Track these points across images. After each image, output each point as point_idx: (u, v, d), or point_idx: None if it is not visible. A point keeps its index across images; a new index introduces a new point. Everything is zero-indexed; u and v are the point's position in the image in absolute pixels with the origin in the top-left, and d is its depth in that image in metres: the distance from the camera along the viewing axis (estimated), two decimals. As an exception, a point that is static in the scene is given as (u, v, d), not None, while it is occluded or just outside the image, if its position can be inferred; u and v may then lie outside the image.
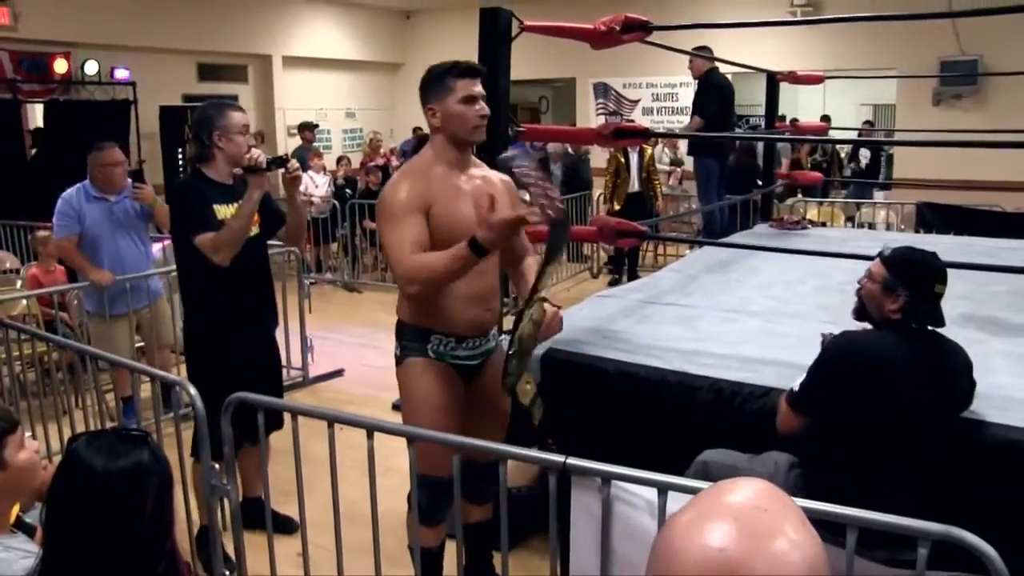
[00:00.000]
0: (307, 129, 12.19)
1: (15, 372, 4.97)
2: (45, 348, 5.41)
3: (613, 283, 9.82)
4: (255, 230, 3.81)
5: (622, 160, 9.71)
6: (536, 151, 14.19)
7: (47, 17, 10.22)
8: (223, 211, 3.72)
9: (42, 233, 6.83)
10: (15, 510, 2.14)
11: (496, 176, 3.22)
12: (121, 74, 11.02)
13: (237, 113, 3.81)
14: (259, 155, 3.69)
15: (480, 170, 3.21)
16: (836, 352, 2.70)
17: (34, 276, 6.51)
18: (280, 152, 3.13)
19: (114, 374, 5.31)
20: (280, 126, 13.48)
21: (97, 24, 10.70)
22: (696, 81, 8.01)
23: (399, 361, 3.20)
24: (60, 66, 10.42)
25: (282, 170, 3.75)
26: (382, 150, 12.76)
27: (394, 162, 11.96)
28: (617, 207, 9.48)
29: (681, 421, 3.36)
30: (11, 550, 2.00)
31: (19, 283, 6.78)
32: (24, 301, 5.94)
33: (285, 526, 3.78)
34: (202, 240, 3.63)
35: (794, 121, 10.01)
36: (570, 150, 11.46)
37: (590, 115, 14.27)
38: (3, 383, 5.08)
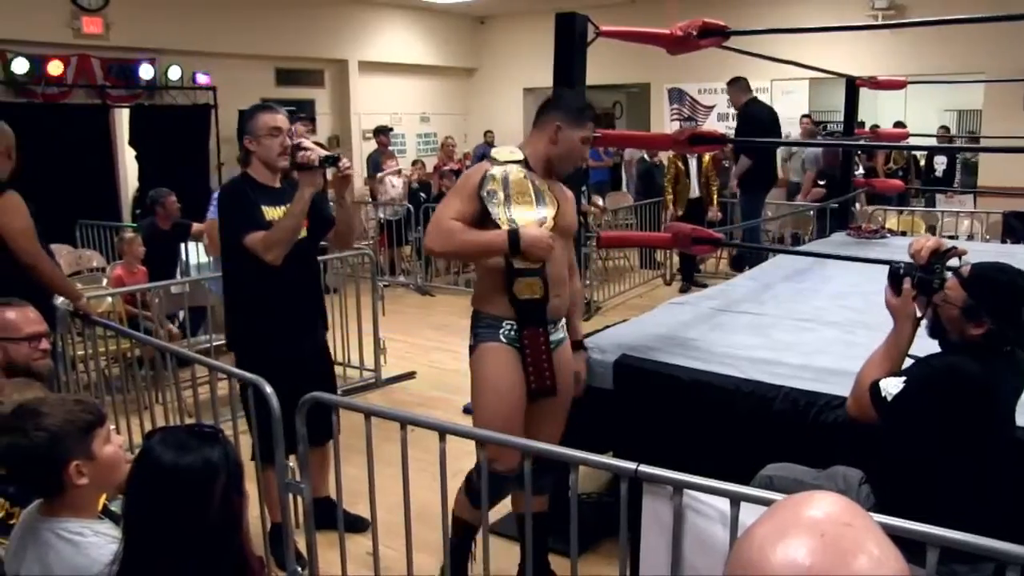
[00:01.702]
0: (382, 133, 12.31)
1: (100, 367, 5.12)
2: (128, 344, 5.56)
3: (684, 290, 9.77)
4: (303, 232, 3.81)
5: (681, 166, 9.66)
6: (610, 156, 14.20)
7: (135, 25, 10.54)
8: (271, 212, 3.75)
9: (128, 235, 7.02)
10: (102, 499, 2.23)
11: (568, 191, 3.45)
12: (202, 79, 11.28)
13: (265, 115, 3.80)
14: (311, 153, 3.68)
15: (557, 183, 3.38)
16: (939, 375, 2.55)
17: (118, 276, 6.70)
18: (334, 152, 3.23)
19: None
20: (356, 130, 13.66)
21: (181, 31, 10.99)
22: (736, 112, 7.98)
23: (472, 350, 3.30)
24: (146, 72, 10.73)
25: (334, 169, 3.77)
26: (456, 155, 12.84)
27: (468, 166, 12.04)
28: (679, 213, 9.43)
29: (753, 431, 3.32)
30: (99, 535, 2.09)
31: (104, 281, 6.97)
32: (109, 299, 6.11)
33: (356, 525, 3.83)
34: (253, 239, 3.66)
35: (874, 128, 9.83)
36: (645, 156, 11.41)
37: (664, 121, 14.19)
38: (89, 377, 5.23)
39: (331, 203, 4.37)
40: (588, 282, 8.98)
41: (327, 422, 3.07)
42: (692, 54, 4.11)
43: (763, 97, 13.26)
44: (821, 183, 10.83)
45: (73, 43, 10.18)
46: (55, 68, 9.90)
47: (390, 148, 12.62)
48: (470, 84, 15.99)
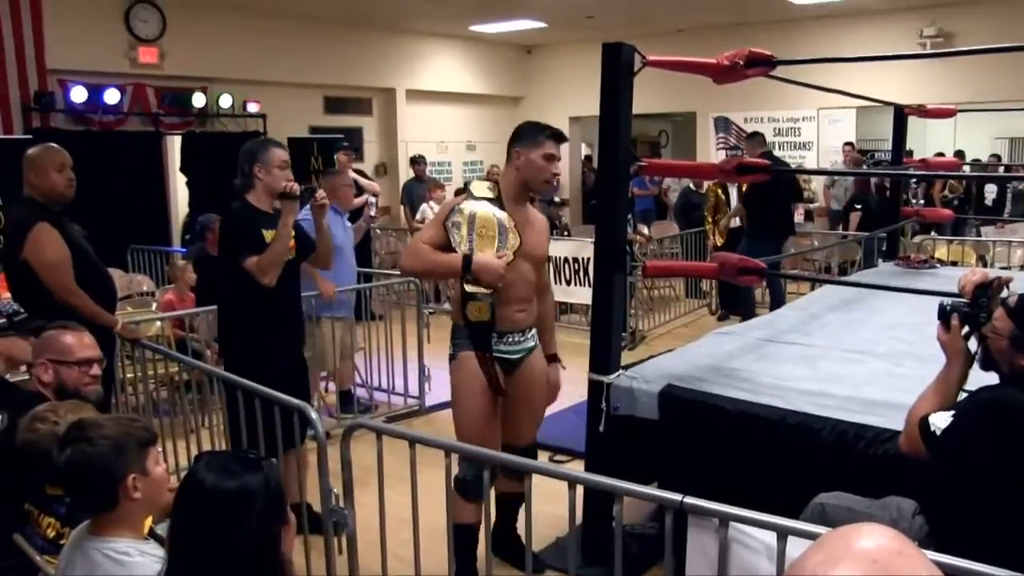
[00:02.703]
0: (417, 163, 12.37)
1: (148, 390, 5.19)
2: (176, 368, 5.64)
3: (722, 318, 9.69)
4: (291, 254, 4.22)
5: (722, 196, 9.60)
6: (655, 184, 14.17)
7: (189, 55, 10.77)
8: (270, 235, 4.12)
9: (180, 262, 7.13)
10: (149, 521, 2.26)
11: (542, 219, 3.96)
12: (252, 107, 11.46)
13: (278, 149, 4.24)
14: (294, 185, 4.14)
15: (533, 210, 3.92)
16: (987, 408, 2.49)
17: (169, 301, 6.78)
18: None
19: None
20: (402, 157, 13.75)
21: (232, 60, 11.20)
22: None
23: (452, 359, 3.80)
24: (198, 100, 10.93)
25: (312, 199, 4.24)
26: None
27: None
28: (720, 242, 9.35)
29: (800, 463, 3.28)
30: (145, 555, 2.15)
31: (153, 305, 7.08)
32: (158, 323, 6.20)
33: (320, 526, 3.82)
34: (251, 263, 4.04)
35: (939, 155, 9.71)
36: (691, 185, 11.38)
37: (710, 149, 14.15)
38: (137, 400, 5.31)
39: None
40: (633, 311, 8.95)
41: (302, 424, 3.37)
42: (738, 83, 4.09)
43: (809, 126, 13.25)
44: (857, 207, 10.75)
45: (129, 72, 10.42)
46: (111, 97, 10.11)
47: (431, 176, 12.65)
48: (516, 112, 16.07)
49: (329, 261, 4.79)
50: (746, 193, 8.94)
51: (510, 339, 3.75)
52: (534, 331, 3.89)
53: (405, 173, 13.37)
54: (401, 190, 12.54)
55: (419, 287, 6.92)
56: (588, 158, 16.95)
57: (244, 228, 4.12)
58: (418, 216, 11.02)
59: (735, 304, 9.68)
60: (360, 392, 6.76)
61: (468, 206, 3.67)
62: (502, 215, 3.69)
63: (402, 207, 12.29)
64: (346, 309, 6.34)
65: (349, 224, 6.59)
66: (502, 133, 16.61)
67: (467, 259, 3.57)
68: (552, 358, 4.02)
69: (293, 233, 4.21)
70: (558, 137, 3.77)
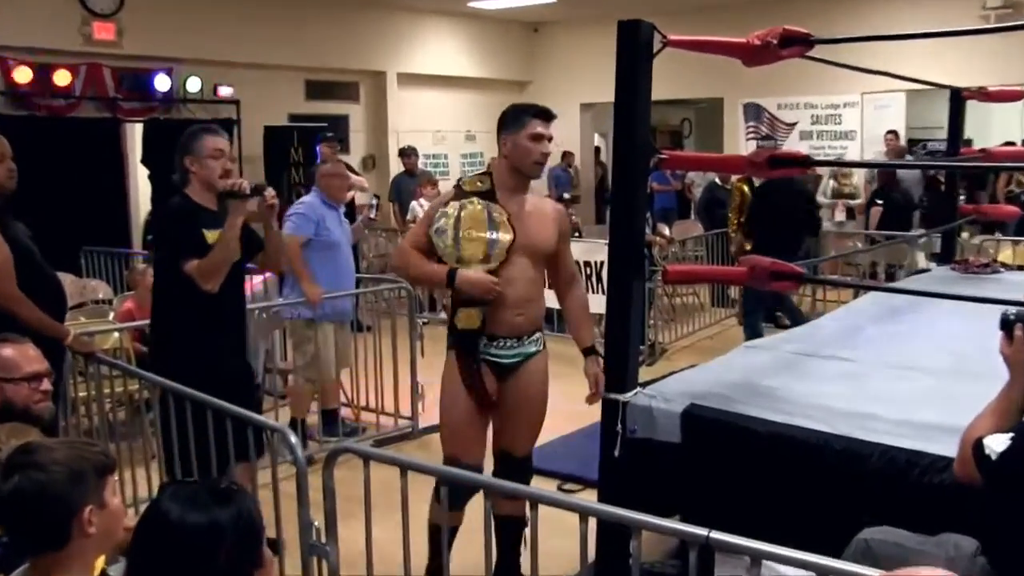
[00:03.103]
0: (407, 155, 12.37)
1: (104, 411, 5.18)
2: (136, 386, 5.62)
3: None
4: (237, 254, 4.24)
5: (748, 193, 9.47)
6: (677, 179, 14.18)
7: (151, 32, 10.75)
8: (212, 236, 4.13)
9: (140, 266, 7.12)
10: (100, 562, 2.22)
11: (552, 206, 4.21)
12: (225, 91, 11.48)
13: (211, 137, 4.28)
14: (242, 182, 4.12)
15: (535, 198, 4.11)
16: None
17: (128, 310, 6.76)
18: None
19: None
20: (393, 149, 13.76)
21: (201, 39, 11.20)
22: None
23: (447, 354, 3.99)
24: (162, 83, 10.92)
25: (259, 198, 4.19)
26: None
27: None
28: (748, 247, 9.23)
29: (842, 494, 3.26)
30: (97, 599, 2.10)
31: (111, 315, 7.07)
32: (116, 334, 6.19)
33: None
34: (192, 267, 4.07)
35: (1009, 143, 9.66)
36: (717, 180, 11.37)
37: (739, 140, 14.16)
38: (91, 422, 5.30)
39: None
40: (652, 322, 8.93)
41: (257, 437, 3.51)
42: (771, 65, 4.08)
43: (852, 113, 13.24)
44: (879, 202, 10.72)
45: (82, 51, 10.39)
46: (62, 78, 10.06)
47: (424, 169, 12.65)
48: (522, 98, 16.07)
49: (279, 263, 4.92)
50: (751, 213, 8.93)
51: (503, 343, 3.92)
52: (538, 336, 4.06)
53: (396, 166, 13.39)
54: (390, 185, 12.55)
55: (411, 293, 6.90)
56: (598, 151, 16.97)
57: (183, 227, 4.17)
58: (408, 215, 11.02)
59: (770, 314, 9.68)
60: (345, 412, 6.75)
61: (454, 206, 3.86)
62: (494, 208, 3.87)
63: (391, 204, 12.28)
64: (345, 315, 6.45)
65: (346, 220, 6.69)
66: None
67: (451, 274, 3.77)
68: (589, 351, 4.12)
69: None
70: (544, 115, 3.95)
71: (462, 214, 3.84)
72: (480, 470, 3.90)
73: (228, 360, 4.30)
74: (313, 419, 6.49)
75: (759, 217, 8.72)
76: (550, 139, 3.96)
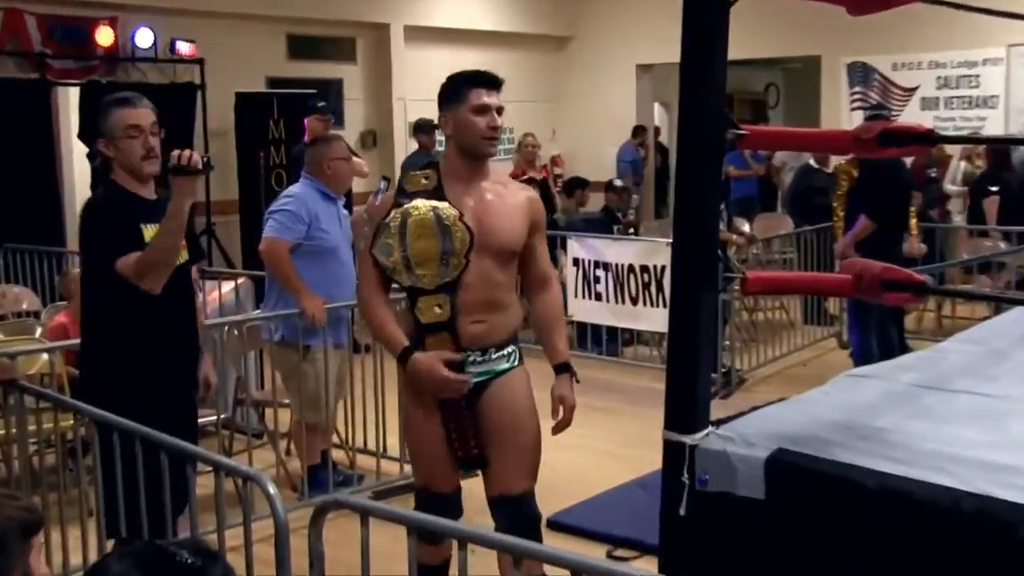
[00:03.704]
0: (425, 131, 12.19)
1: (28, 453, 5.18)
2: (71, 421, 5.63)
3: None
4: (184, 255, 4.33)
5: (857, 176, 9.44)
6: (760, 161, 14.14)
7: (91, -29, 10.86)
8: (150, 232, 4.21)
9: (77, 270, 7.15)
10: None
11: (522, 192, 4.39)
12: (184, 48, 11.53)
13: (121, 110, 4.31)
14: (193, 154, 4.11)
15: (499, 185, 4.28)
16: None
17: (61, 325, 6.77)
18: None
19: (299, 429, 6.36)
20: (399, 121, 13.82)
21: (156, -20, 11.29)
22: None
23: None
24: (104, 37, 10.97)
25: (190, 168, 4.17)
26: (539, 158, 12.88)
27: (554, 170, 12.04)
28: (852, 254, 9.16)
29: (979, 569, 3.22)
30: None
31: (38, 331, 7.09)
32: (45, 356, 6.19)
33: None
34: (126, 263, 4.12)
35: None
36: (812, 162, 11.32)
37: (841, 110, 14.13)
38: (10, 468, 5.30)
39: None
40: (728, 343, 8.89)
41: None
42: (884, 14, 4.04)
43: (994, 73, 13.08)
44: (993, 189, 10.61)
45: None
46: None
47: (441, 151, 12.61)
48: (562, 59, 16.12)
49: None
50: (851, 200, 8.87)
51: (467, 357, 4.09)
52: (511, 350, 4.25)
53: (403, 144, 13.39)
54: (400, 170, 12.48)
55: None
56: (656, 130, 16.93)
57: (114, 222, 4.23)
58: None
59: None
60: (337, 455, 6.76)
61: (396, 216, 4.06)
62: (443, 208, 4.05)
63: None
64: (342, 334, 6.48)
65: (346, 213, 6.68)
66: (541, 89, 16.74)
67: (405, 353, 4.04)
68: (561, 368, 4.36)
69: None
70: (488, 82, 4.16)
71: (408, 223, 4.03)
72: (456, 498, 4.25)
73: (174, 388, 4.39)
74: (293, 465, 6.50)
75: (858, 210, 8.63)
76: (499, 110, 4.13)
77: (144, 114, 4.33)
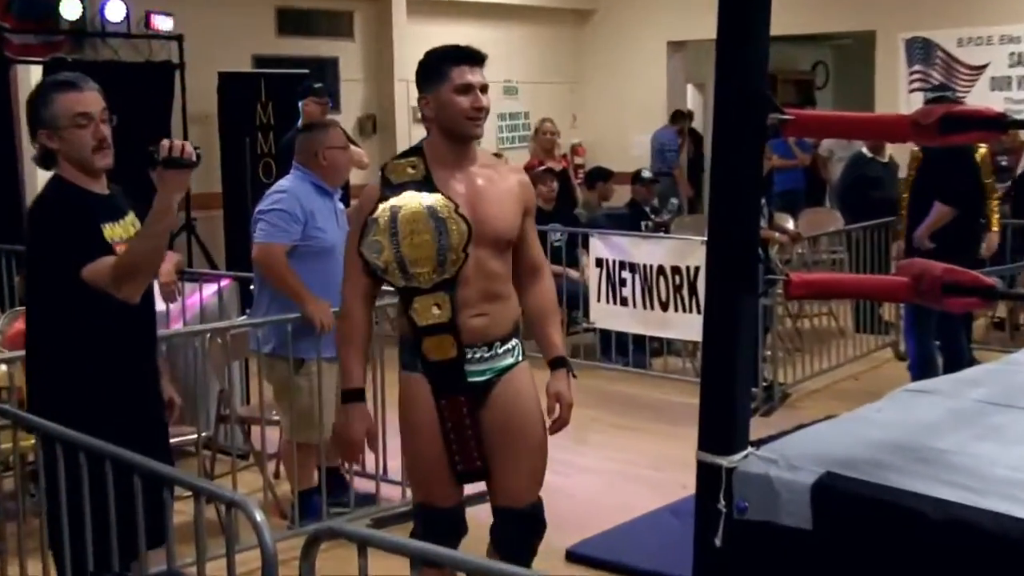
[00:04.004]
0: None
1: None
2: (31, 441, 5.63)
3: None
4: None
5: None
6: (806, 150, 14.11)
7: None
8: (114, 232, 4.25)
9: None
10: None
11: (512, 175, 4.53)
12: (162, 23, 11.55)
13: (65, 97, 4.21)
14: (184, 145, 4.05)
15: (487, 168, 4.42)
16: None
17: (21, 333, 6.76)
18: None
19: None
20: (402, 105, 13.83)
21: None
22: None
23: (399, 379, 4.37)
24: (69, 9, 10.96)
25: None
26: (559, 147, 12.86)
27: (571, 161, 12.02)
28: (929, 244, 9.12)
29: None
30: None
31: (-4, 339, 7.11)
32: (3, 367, 6.19)
33: None
34: (96, 270, 4.06)
35: None
36: (865, 151, 11.30)
37: (898, 91, 14.09)
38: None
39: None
40: (769, 353, 8.88)
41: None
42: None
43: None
44: None
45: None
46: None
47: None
48: (583, 35, 16.12)
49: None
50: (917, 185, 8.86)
51: (473, 354, 4.23)
52: (515, 343, 4.38)
53: (406, 131, 13.40)
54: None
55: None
56: (690, 115, 16.87)
57: (72, 221, 4.18)
58: None
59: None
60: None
61: (384, 211, 4.17)
62: (433, 200, 4.18)
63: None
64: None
65: (342, 208, 6.62)
66: (560, 69, 16.85)
67: (353, 394, 4.30)
68: (556, 363, 4.52)
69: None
70: (470, 58, 4.31)
71: (398, 219, 4.15)
72: (459, 513, 4.40)
73: (143, 407, 4.41)
74: (283, 489, 6.50)
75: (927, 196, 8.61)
76: (483, 88, 4.29)
77: (93, 99, 4.27)
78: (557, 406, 4.43)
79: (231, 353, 6.72)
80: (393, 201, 4.16)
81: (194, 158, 4.07)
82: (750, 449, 3.89)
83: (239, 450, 6.94)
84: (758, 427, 4.29)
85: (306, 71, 11.78)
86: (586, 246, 10.23)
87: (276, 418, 6.63)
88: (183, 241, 11.30)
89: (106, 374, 4.25)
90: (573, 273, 10.47)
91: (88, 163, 4.20)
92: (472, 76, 4.25)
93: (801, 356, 9.83)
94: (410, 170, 4.24)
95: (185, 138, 11.44)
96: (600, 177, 12.18)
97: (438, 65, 4.29)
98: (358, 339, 4.30)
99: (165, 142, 4.05)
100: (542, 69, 15.64)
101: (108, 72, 11.07)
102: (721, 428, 3.89)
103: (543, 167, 11.61)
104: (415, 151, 4.34)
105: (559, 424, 4.45)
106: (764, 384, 8.62)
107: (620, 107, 15.54)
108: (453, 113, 4.21)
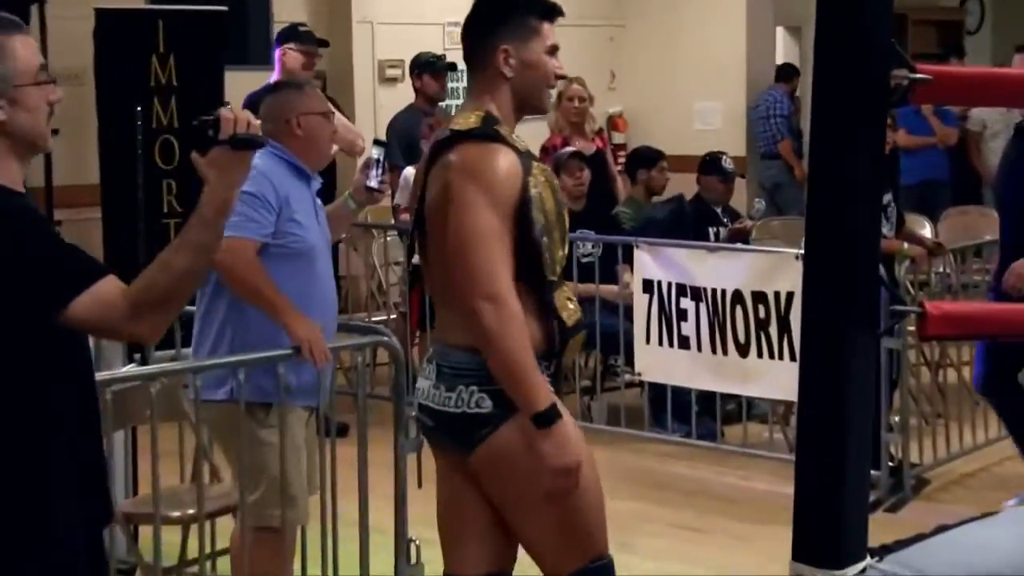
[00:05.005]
0: (431, 71, 12.13)
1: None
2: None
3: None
4: None
5: None
6: (951, 123, 14.13)
7: None
8: None
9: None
10: None
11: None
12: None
13: (24, 40, 3.94)
14: (248, 116, 3.94)
15: None
16: None
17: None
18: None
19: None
20: (363, 57, 13.90)
21: None
22: None
23: (495, 423, 4.50)
24: None
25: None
26: (594, 120, 12.82)
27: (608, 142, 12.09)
28: None
29: None
30: None
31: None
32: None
33: None
34: (101, 301, 3.75)
35: None
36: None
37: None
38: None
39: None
40: (897, 418, 8.87)
41: None
42: None
43: None
44: None
45: None
46: None
47: (444, 105, 12.48)
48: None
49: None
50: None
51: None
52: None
53: (371, 94, 13.43)
54: (386, 131, 12.27)
55: (398, 354, 6.87)
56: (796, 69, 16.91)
57: (49, 238, 3.94)
58: (397, 197, 10.89)
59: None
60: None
61: (540, 178, 4.51)
62: (550, 173, 4.71)
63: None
64: (320, 391, 6.32)
65: (320, 203, 6.57)
66: (595, 5, 16.96)
67: (553, 411, 4.36)
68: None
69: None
70: (557, 13, 4.78)
71: (544, 196, 4.49)
72: None
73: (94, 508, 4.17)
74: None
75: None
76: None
77: (36, 55, 4.00)
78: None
79: (112, 420, 6.58)
80: (536, 174, 4.44)
81: (260, 134, 4.05)
82: (868, 560, 3.90)
83: (121, 563, 6.93)
84: (882, 527, 4.30)
85: (223, 8, 11.78)
86: (629, 262, 10.20)
87: (175, 515, 6.58)
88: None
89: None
90: (610, 298, 10.47)
91: (43, 142, 4.04)
92: (552, 38, 4.60)
93: (944, 424, 9.79)
94: (503, 128, 4.49)
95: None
96: (644, 163, 11.78)
97: (526, 14, 4.57)
98: (529, 352, 4.36)
99: (227, 112, 3.94)
100: (568, 5, 15.62)
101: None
102: (826, 531, 3.89)
103: (569, 150, 11.51)
104: (484, 115, 4.51)
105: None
106: (890, 464, 8.62)
107: (678, 61, 15.59)
108: (539, 76, 4.58)
